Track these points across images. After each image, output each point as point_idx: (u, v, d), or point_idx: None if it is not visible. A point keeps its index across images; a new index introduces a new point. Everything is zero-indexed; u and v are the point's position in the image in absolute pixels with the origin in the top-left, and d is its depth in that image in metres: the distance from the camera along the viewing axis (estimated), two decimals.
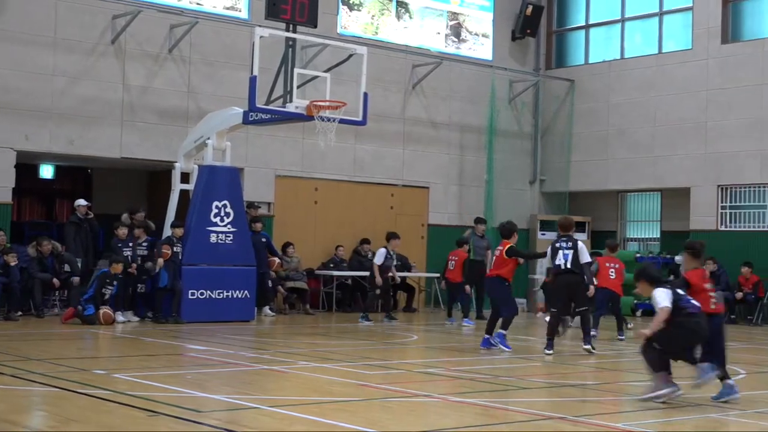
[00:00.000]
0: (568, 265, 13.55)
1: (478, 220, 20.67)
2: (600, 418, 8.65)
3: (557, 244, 13.82)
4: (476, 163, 24.69)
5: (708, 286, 9.79)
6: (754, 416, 8.98)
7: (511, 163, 25.22)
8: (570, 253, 13.59)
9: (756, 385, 11.42)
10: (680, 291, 9.54)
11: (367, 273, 21.59)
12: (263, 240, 19.47)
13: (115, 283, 16.71)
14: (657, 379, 9.41)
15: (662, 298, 9.37)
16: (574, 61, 26.11)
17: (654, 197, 25.04)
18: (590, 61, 25.64)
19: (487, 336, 14.02)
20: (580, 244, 13.77)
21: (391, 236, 19.45)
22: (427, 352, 14.47)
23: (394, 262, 19.58)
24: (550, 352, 13.44)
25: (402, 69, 23.51)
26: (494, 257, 14.37)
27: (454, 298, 19.62)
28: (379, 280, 18.79)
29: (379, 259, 18.95)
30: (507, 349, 13.72)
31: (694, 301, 9.46)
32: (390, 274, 19.35)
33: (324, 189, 22.30)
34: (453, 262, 19.14)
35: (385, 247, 19.16)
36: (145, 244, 17.83)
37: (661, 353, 9.41)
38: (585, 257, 13.69)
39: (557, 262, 13.64)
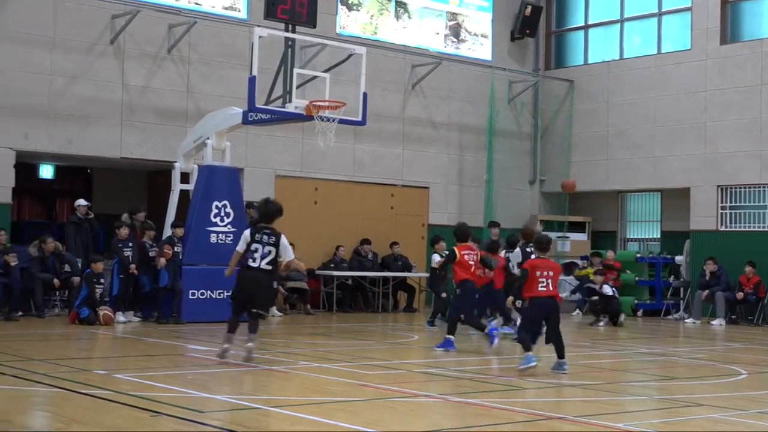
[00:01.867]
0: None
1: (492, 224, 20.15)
2: (600, 418, 8.66)
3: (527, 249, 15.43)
4: (476, 163, 24.71)
5: (540, 273, 11.32)
6: (756, 416, 8.98)
7: (511, 163, 25.24)
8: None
9: (757, 385, 11.43)
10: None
11: (367, 273, 21.64)
12: None
13: (101, 281, 16.73)
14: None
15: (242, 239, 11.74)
16: (573, 61, 26.12)
17: (654, 197, 25.05)
18: (589, 62, 25.66)
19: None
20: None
21: (439, 239, 18.31)
22: (427, 352, 14.46)
23: None
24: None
25: (401, 69, 23.52)
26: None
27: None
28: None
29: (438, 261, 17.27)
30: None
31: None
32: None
33: (324, 189, 22.30)
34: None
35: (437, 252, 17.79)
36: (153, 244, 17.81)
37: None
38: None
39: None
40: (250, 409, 8.67)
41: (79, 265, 17.94)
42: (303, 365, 11.82)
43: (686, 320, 21.55)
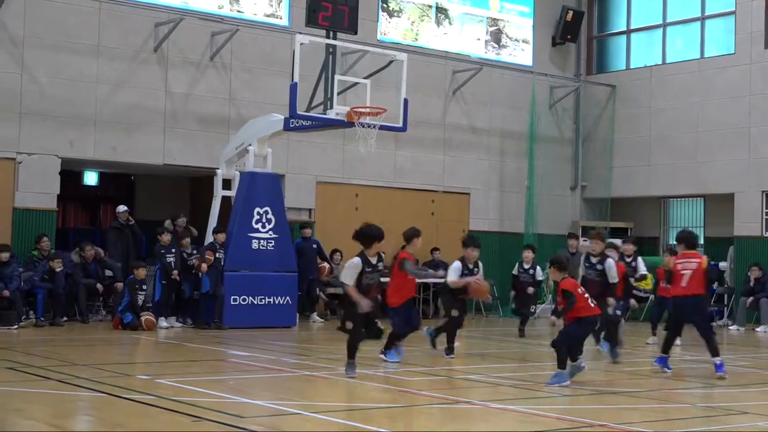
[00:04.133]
0: None
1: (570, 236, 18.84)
2: (642, 426, 8.59)
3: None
4: (517, 169, 24.63)
5: (580, 290, 10.97)
6: None
7: (552, 168, 25.13)
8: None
9: None
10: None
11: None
12: (314, 246, 19.54)
13: (144, 287, 16.89)
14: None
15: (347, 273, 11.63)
16: (615, 66, 25.97)
17: (697, 203, 24.82)
18: (631, 67, 25.49)
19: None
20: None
21: (468, 243, 14.46)
22: (468, 358, 14.43)
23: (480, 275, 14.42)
24: None
25: (442, 75, 23.51)
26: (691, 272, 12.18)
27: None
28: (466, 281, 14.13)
29: (453, 275, 14.24)
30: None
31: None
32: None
33: (364, 195, 22.34)
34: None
35: (461, 259, 14.35)
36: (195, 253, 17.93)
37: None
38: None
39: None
40: (291, 414, 8.70)
41: (120, 270, 18.11)
42: (344, 371, 11.82)
43: (730, 327, 21.31)
